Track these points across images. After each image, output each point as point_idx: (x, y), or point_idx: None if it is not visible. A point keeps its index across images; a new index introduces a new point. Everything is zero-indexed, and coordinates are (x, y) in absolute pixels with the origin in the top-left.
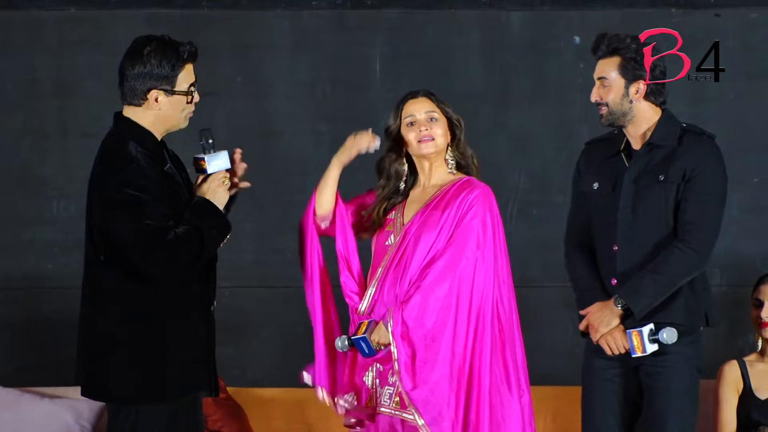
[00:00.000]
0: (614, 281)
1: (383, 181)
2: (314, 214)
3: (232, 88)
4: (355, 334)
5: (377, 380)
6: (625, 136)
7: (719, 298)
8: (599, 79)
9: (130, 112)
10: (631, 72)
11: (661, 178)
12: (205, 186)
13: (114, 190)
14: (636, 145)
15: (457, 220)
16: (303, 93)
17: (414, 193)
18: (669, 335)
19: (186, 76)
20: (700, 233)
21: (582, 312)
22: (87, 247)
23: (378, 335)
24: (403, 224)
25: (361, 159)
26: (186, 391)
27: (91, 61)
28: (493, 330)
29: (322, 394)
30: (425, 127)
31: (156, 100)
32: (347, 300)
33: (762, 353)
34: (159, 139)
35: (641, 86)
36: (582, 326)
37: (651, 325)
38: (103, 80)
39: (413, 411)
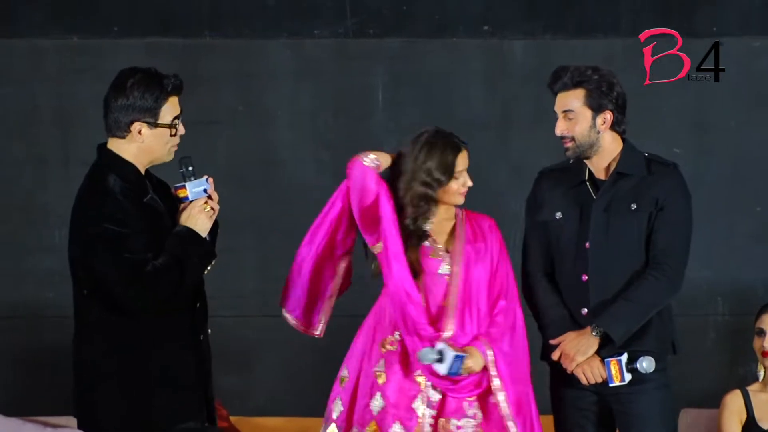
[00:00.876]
0: (584, 311)
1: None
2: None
3: (234, 116)
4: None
5: (430, 410)
6: (584, 165)
7: (722, 326)
8: (564, 112)
9: (114, 143)
10: (596, 102)
11: (633, 207)
12: (185, 214)
13: (93, 224)
14: (599, 174)
15: (496, 252)
16: (305, 121)
17: (432, 226)
18: (648, 364)
19: (170, 109)
20: (673, 261)
21: (554, 341)
22: (72, 279)
23: (474, 362)
24: (448, 252)
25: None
26: (174, 422)
27: (92, 90)
28: None
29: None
30: (468, 179)
31: (139, 132)
32: (420, 331)
33: (765, 383)
34: (142, 170)
35: (608, 116)
36: (555, 356)
37: (626, 354)
38: None
39: None
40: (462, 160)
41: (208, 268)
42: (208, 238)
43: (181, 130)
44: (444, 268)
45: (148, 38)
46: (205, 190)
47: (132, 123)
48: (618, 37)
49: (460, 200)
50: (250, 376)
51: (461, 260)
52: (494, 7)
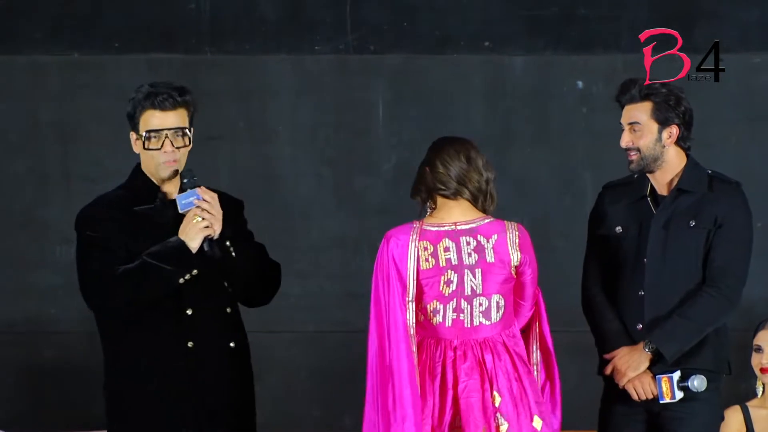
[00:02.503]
0: (640, 326)
1: None
2: None
3: (234, 132)
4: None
5: None
6: (647, 180)
7: None
8: (630, 124)
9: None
10: (663, 115)
11: (692, 224)
12: (181, 226)
13: (77, 231)
14: (661, 190)
15: None
16: (305, 137)
17: None
18: (699, 383)
19: (145, 121)
20: (731, 279)
21: (607, 356)
22: None
23: None
24: None
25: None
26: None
27: (94, 106)
28: None
29: None
30: None
31: (134, 142)
32: None
33: (764, 398)
34: (159, 181)
35: (674, 131)
36: (608, 370)
37: (679, 371)
38: (106, 124)
39: None
40: None
41: (186, 278)
42: (206, 248)
43: (166, 146)
44: None
45: (148, 54)
46: (192, 202)
47: (130, 133)
48: (618, 52)
49: None
50: None
51: None
52: (495, 23)
